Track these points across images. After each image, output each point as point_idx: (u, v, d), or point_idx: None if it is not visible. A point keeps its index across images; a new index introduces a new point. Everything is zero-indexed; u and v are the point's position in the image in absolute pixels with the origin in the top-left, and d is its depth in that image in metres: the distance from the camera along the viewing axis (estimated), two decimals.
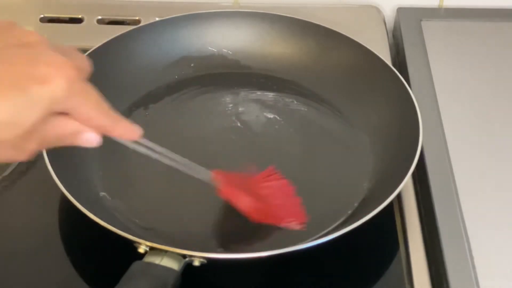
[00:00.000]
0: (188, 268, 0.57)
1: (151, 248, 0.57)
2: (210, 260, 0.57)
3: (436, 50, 0.85)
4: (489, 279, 0.61)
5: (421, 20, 0.90)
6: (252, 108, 0.79)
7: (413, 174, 0.71)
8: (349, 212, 0.67)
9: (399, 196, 0.69)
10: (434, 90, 0.80)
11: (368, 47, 0.78)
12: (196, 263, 0.57)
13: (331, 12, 0.91)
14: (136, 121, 0.74)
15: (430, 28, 0.89)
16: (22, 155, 0.45)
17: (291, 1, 0.92)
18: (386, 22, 0.93)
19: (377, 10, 0.93)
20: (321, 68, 0.81)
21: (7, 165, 0.71)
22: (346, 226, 0.60)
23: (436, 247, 0.64)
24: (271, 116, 0.78)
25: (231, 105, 0.79)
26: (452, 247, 0.64)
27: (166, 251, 0.57)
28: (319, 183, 0.71)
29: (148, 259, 0.57)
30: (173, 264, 0.56)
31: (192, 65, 0.82)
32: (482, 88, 0.81)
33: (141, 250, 0.57)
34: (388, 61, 0.84)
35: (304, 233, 0.64)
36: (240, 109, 0.79)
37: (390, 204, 0.68)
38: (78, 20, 0.90)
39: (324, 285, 0.63)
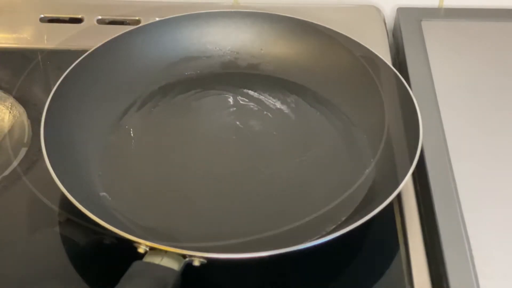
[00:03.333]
0: (188, 268, 0.57)
1: (151, 248, 0.57)
2: (210, 260, 0.57)
3: (436, 50, 0.85)
4: (489, 279, 0.61)
5: (421, 20, 0.90)
6: (252, 108, 0.79)
7: (413, 174, 0.71)
8: (349, 212, 0.67)
9: (399, 196, 0.69)
10: (434, 90, 0.79)
11: (367, 46, 0.78)
12: (196, 263, 0.57)
13: (331, 12, 0.91)
14: (135, 121, 0.76)
15: (430, 28, 0.89)
16: None
17: (291, 1, 0.92)
18: (386, 22, 0.93)
19: (377, 10, 0.93)
20: (321, 68, 0.81)
21: (7, 165, 0.71)
22: (346, 226, 0.60)
23: (436, 247, 0.64)
24: (271, 116, 0.78)
25: (231, 105, 0.79)
26: (452, 247, 0.64)
27: (166, 251, 0.57)
28: (319, 183, 0.71)
29: (148, 259, 0.57)
30: (173, 264, 0.56)
31: (191, 65, 0.82)
32: (482, 88, 0.81)
33: (141, 250, 0.58)
34: (388, 61, 0.84)
35: (304, 233, 0.64)
36: (240, 109, 0.79)
37: (390, 204, 0.68)
38: (78, 20, 0.90)
39: (324, 285, 0.63)
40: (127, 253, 0.59)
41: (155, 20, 0.82)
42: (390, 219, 0.67)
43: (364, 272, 0.64)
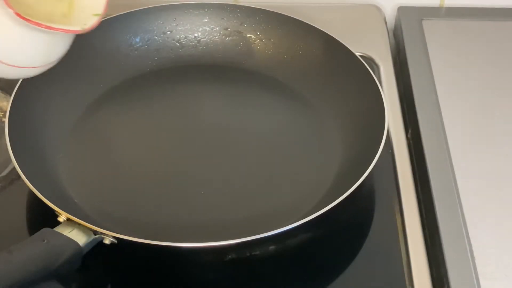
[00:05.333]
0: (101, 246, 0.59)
1: (68, 219, 0.59)
2: (120, 240, 0.58)
3: (437, 49, 0.85)
4: (490, 279, 0.61)
5: (422, 19, 0.90)
6: (220, 101, 0.79)
7: (414, 174, 0.71)
8: (320, 197, 0.67)
9: (399, 196, 0.69)
10: (435, 89, 0.79)
11: (344, 41, 0.78)
12: (107, 241, 0.59)
13: (331, 11, 0.91)
14: (102, 110, 0.77)
15: (431, 27, 0.88)
16: None
17: (292, 0, 0.92)
18: (387, 21, 0.92)
19: (377, 9, 0.93)
20: (289, 59, 0.81)
21: (4, 166, 0.71)
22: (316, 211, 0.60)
23: (437, 247, 0.64)
24: (241, 108, 0.78)
25: (199, 97, 0.80)
26: (453, 247, 0.63)
27: (79, 224, 0.59)
28: (290, 172, 0.71)
29: (59, 228, 0.59)
30: (79, 238, 0.58)
31: (160, 57, 0.82)
32: (483, 87, 0.81)
33: (60, 219, 0.60)
34: (389, 60, 0.84)
35: (269, 223, 0.63)
36: (208, 101, 0.79)
37: (391, 204, 0.68)
38: None
39: (325, 285, 0.63)
40: (127, 253, 0.60)
41: (121, 13, 0.82)
42: (390, 219, 0.67)
43: (364, 272, 0.64)
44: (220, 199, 0.69)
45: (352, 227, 0.67)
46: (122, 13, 0.82)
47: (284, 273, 0.63)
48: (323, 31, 0.79)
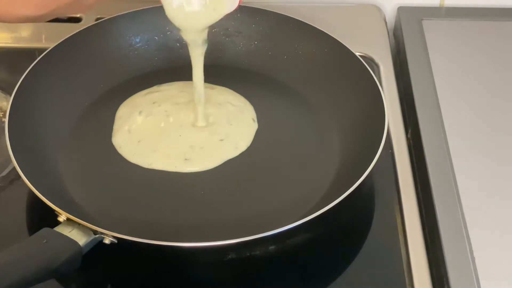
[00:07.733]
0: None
1: (68, 219, 0.59)
2: (120, 240, 0.58)
3: (437, 49, 0.85)
4: (490, 279, 0.61)
5: (422, 19, 0.90)
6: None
7: (414, 174, 0.71)
8: (320, 197, 0.67)
9: (399, 196, 0.69)
10: (435, 89, 0.79)
11: (344, 41, 0.78)
12: (106, 241, 0.59)
13: (331, 11, 0.91)
14: (102, 111, 0.76)
15: (431, 27, 0.88)
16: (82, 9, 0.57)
17: (292, 0, 0.92)
18: (387, 21, 0.92)
19: (377, 9, 0.93)
20: (289, 59, 0.81)
21: (4, 166, 0.70)
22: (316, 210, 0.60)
23: (437, 248, 0.64)
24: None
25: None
26: (453, 247, 0.63)
27: (79, 224, 0.59)
28: (290, 172, 0.71)
29: (59, 228, 0.59)
30: (80, 238, 0.58)
31: (161, 57, 0.82)
32: (483, 87, 0.81)
33: (60, 219, 0.60)
34: (389, 60, 0.84)
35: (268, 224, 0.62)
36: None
37: (391, 204, 0.68)
38: (77, 19, 0.90)
39: (325, 285, 0.63)
40: (127, 253, 0.60)
41: (121, 14, 0.82)
42: (390, 219, 0.67)
43: (364, 272, 0.64)
44: (220, 199, 0.69)
45: (352, 227, 0.67)
46: (122, 13, 0.82)
47: (284, 273, 0.63)
48: (323, 31, 0.79)
